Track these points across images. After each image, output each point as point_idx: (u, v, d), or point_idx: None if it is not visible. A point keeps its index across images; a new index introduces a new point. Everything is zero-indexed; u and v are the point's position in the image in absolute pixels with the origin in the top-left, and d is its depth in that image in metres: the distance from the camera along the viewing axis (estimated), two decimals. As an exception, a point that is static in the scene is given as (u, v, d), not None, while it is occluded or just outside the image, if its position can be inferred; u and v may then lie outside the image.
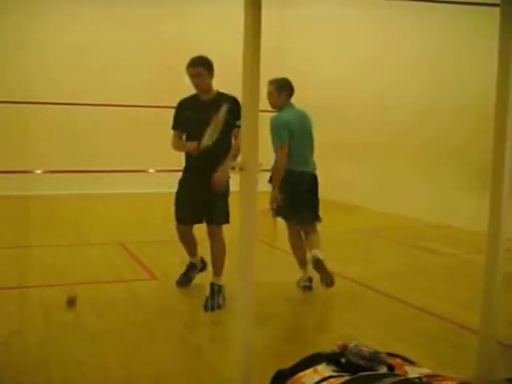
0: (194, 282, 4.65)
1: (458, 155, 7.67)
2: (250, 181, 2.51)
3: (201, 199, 4.18)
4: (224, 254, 4.27)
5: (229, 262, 4.12)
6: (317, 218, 4.68)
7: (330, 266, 4.17)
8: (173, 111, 4.37)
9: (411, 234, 7.34)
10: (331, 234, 7.18)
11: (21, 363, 3.09)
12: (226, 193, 4.22)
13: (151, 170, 10.62)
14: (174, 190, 4.38)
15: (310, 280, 4.62)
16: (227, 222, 4.22)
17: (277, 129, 4.43)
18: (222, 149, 4.12)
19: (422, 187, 8.42)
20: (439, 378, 2.19)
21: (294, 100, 4.65)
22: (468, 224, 6.95)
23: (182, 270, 4.60)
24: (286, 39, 11.43)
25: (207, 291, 4.16)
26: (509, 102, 2.70)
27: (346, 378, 2.12)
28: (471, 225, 6.60)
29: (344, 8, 9.87)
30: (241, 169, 2.49)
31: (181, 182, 4.35)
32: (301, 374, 2.26)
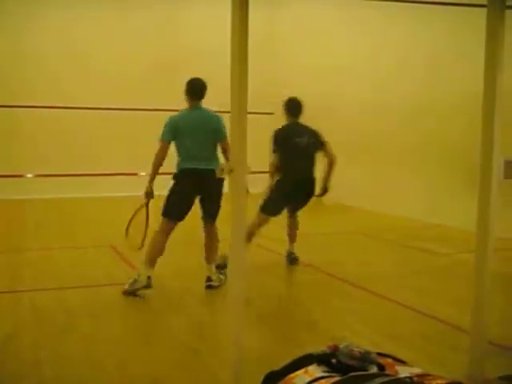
0: (189, 284, 4.66)
1: (451, 155, 7.70)
2: (240, 182, 2.51)
3: None
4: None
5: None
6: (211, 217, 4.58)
7: (324, 267, 4.15)
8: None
9: (405, 234, 7.35)
10: (324, 235, 7.20)
11: (16, 365, 3.08)
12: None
13: (142, 173, 10.60)
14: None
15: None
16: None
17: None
18: None
19: (415, 187, 8.44)
20: (429, 378, 2.18)
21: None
22: (462, 223, 6.95)
23: None
24: (277, 40, 11.43)
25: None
26: (496, 102, 2.71)
27: (337, 378, 2.12)
28: (465, 224, 6.60)
29: (335, 8, 9.89)
30: (230, 171, 2.50)
31: None
32: (292, 375, 2.25)
